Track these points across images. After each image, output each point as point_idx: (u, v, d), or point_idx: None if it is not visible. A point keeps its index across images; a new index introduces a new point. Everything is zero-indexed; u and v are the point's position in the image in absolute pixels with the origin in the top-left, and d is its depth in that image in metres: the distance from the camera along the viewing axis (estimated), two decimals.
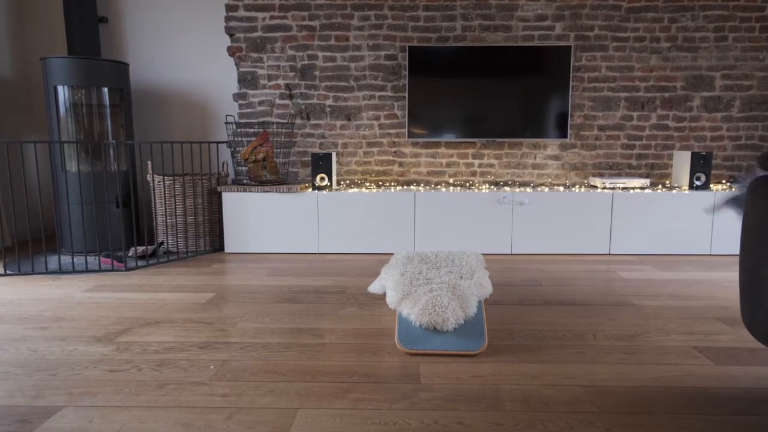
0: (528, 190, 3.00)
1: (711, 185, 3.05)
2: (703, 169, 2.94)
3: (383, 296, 2.12)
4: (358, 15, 3.21)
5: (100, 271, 2.55)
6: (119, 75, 2.93)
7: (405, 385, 1.34)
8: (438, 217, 2.93)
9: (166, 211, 2.92)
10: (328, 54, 3.25)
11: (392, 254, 2.90)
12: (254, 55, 3.26)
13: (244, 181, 3.10)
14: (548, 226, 2.92)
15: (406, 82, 3.15)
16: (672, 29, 3.18)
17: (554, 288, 2.25)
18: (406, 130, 3.20)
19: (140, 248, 2.79)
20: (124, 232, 2.86)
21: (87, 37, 3.00)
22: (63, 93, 2.81)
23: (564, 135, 3.17)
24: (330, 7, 3.21)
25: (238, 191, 2.94)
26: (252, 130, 3.27)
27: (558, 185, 3.28)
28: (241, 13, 3.22)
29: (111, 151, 2.95)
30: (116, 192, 2.93)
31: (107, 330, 1.73)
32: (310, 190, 3.02)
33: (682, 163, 3.05)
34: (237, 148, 3.22)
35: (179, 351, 1.56)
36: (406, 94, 3.16)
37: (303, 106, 3.31)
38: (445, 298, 1.65)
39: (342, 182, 3.36)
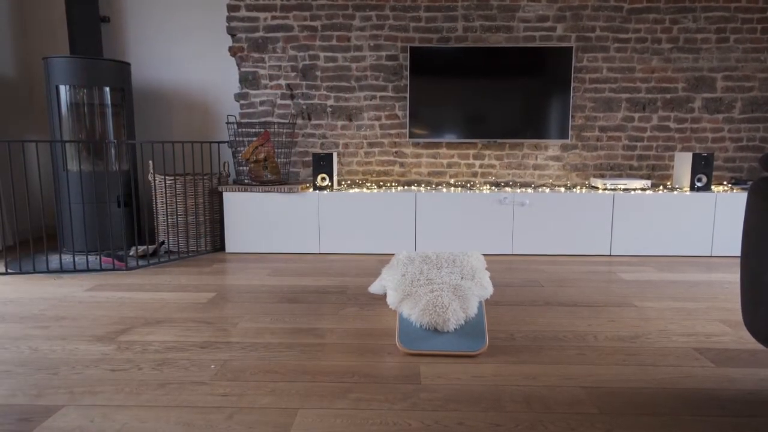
0: (529, 190, 2.99)
1: (712, 187, 3.05)
2: (704, 171, 2.94)
3: (384, 296, 2.12)
4: (359, 15, 3.21)
5: (101, 270, 2.55)
6: (121, 75, 2.93)
7: (405, 385, 1.34)
8: (439, 217, 2.93)
9: (167, 211, 2.93)
10: (330, 54, 3.25)
11: (393, 254, 2.90)
12: (256, 55, 3.26)
13: (245, 181, 3.10)
14: (549, 227, 2.92)
15: (408, 82, 3.15)
16: (673, 30, 3.18)
17: (555, 289, 2.25)
18: (407, 130, 3.20)
19: (141, 248, 2.79)
20: (125, 232, 2.86)
21: (89, 36, 3.00)
22: (65, 92, 2.81)
23: (565, 136, 3.17)
24: (331, 7, 3.21)
25: (239, 191, 2.94)
26: (253, 130, 3.27)
27: (559, 186, 3.28)
28: (243, 13, 3.23)
29: (112, 151, 2.95)
30: (117, 191, 2.94)
31: (108, 329, 1.74)
32: (311, 190, 3.02)
33: (683, 164, 3.05)
34: (238, 148, 3.22)
35: (180, 350, 1.56)
36: (408, 95, 3.16)
37: (304, 106, 3.31)
38: (446, 298, 1.65)
39: (343, 182, 3.36)
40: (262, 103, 3.31)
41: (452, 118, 3.18)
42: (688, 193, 2.90)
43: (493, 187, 3.19)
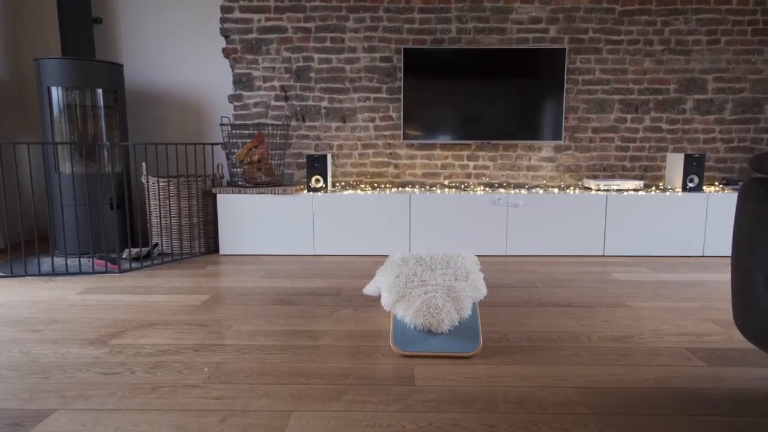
0: (523, 191, 3.01)
1: (704, 187, 3.07)
2: (696, 171, 2.96)
3: (378, 298, 2.12)
4: (353, 17, 3.21)
5: (94, 273, 2.54)
6: (113, 76, 2.91)
7: (400, 387, 1.34)
8: (433, 218, 2.94)
9: (160, 213, 2.91)
10: (324, 56, 3.25)
11: (387, 256, 2.89)
12: (249, 56, 3.26)
13: (239, 182, 3.10)
14: (543, 227, 2.93)
15: (401, 83, 3.16)
16: (665, 32, 3.20)
17: (549, 290, 2.26)
18: (402, 131, 3.20)
19: (134, 250, 2.78)
20: (118, 234, 2.85)
21: (81, 37, 2.99)
22: (57, 94, 2.79)
23: (558, 137, 3.18)
24: (325, 8, 3.21)
25: (233, 193, 2.93)
26: (247, 131, 3.27)
27: (552, 187, 3.29)
28: (237, 14, 3.22)
29: (105, 153, 2.94)
30: (110, 193, 2.92)
31: (100, 332, 1.73)
32: (306, 191, 3.02)
33: (675, 165, 3.07)
34: (232, 150, 3.21)
35: (173, 353, 1.55)
36: (402, 96, 3.17)
37: (298, 108, 3.31)
38: (440, 299, 1.65)
39: (337, 184, 3.36)
40: (255, 104, 3.31)
41: (446, 119, 3.19)
42: (680, 193, 2.92)
43: (487, 188, 3.19)
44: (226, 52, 3.26)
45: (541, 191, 3.03)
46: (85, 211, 2.84)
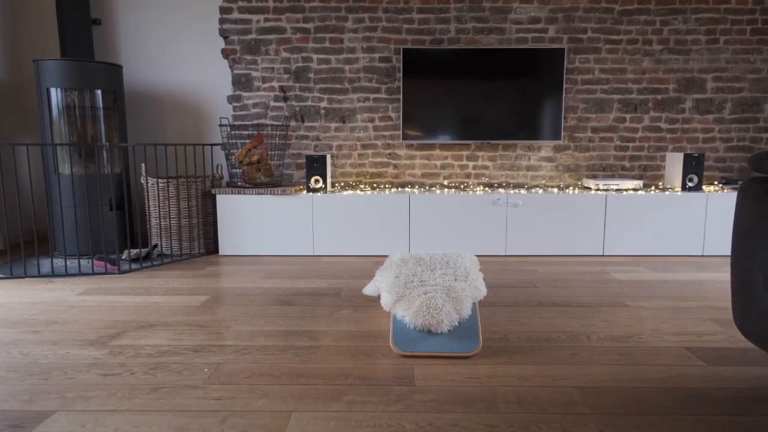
0: (522, 191, 3.01)
1: (703, 186, 3.07)
2: (695, 171, 2.96)
3: (378, 298, 2.12)
4: (352, 17, 3.21)
5: (94, 274, 2.53)
6: (113, 77, 2.91)
7: (400, 387, 1.34)
8: (432, 218, 2.94)
9: (160, 214, 2.91)
10: (323, 56, 3.25)
11: (387, 256, 2.89)
12: (248, 57, 3.26)
13: (239, 183, 3.10)
14: (542, 227, 2.94)
15: (401, 84, 3.16)
16: (664, 32, 3.20)
17: (548, 289, 2.26)
18: (401, 132, 3.21)
19: (134, 251, 2.78)
20: (117, 235, 2.85)
21: (80, 39, 2.99)
22: (56, 95, 2.79)
23: (558, 137, 3.18)
24: (324, 9, 3.21)
25: (232, 194, 2.93)
26: (246, 132, 3.27)
27: (552, 187, 3.29)
28: (236, 15, 3.22)
29: (104, 154, 2.94)
30: (110, 195, 2.92)
31: (100, 333, 1.72)
32: (305, 192, 3.02)
33: (674, 164, 3.07)
34: (231, 151, 3.21)
35: (173, 354, 1.55)
36: (401, 96, 3.17)
37: (297, 108, 3.31)
38: (440, 300, 1.65)
39: (336, 184, 3.36)
40: (255, 105, 3.31)
41: (445, 119, 3.19)
42: (679, 193, 2.92)
43: (487, 188, 3.19)
44: (225, 53, 3.26)
45: (540, 191, 3.03)
46: (84, 212, 2.84)
